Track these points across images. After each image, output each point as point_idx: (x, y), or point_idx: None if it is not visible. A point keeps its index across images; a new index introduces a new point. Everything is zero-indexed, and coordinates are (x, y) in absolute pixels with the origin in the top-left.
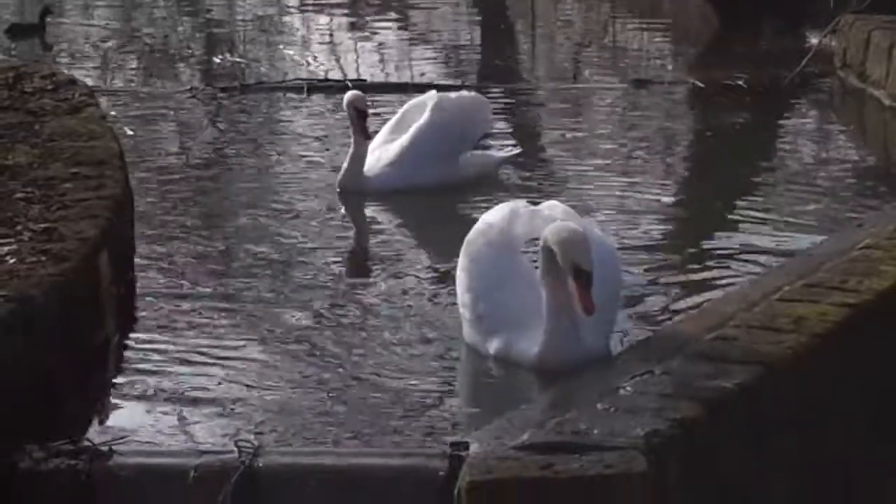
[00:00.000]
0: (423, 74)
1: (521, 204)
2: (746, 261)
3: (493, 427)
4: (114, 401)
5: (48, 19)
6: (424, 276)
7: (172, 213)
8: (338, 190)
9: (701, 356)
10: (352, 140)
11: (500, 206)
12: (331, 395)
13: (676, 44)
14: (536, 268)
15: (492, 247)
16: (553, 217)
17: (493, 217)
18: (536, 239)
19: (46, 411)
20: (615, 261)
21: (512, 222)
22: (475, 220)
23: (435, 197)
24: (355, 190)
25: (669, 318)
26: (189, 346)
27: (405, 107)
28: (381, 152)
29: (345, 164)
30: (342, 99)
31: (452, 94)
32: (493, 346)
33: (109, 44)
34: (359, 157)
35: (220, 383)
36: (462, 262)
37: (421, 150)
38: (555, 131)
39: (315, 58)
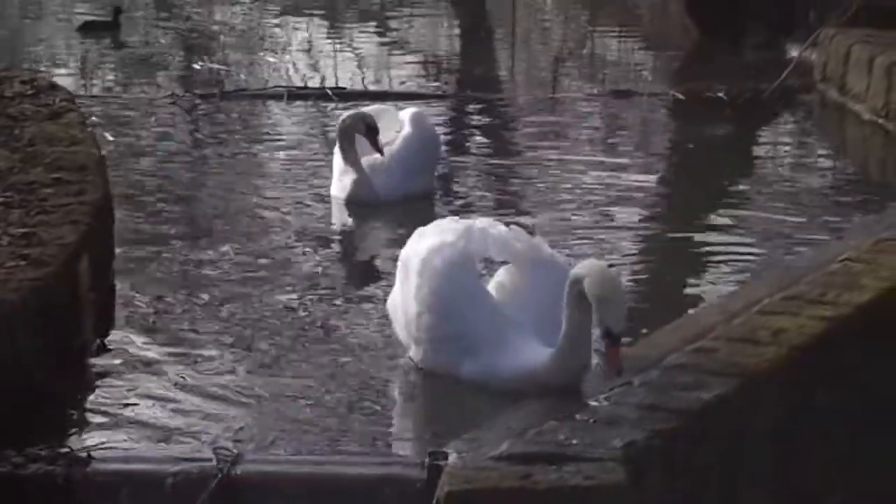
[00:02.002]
0: (402, 83)
1: (471, 222)
2: (726, 273)
3: (472, 437)
4: (92, 406)
5: (122, 18)
6: None
7: (153, 218)
8: (343, 201)
9: (680, 368)
10: (344, 155)
11: (446, 224)
12: (311, 403)
13: (656, 55)
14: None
15: (453, 266)
16: (504, 237)
17: (446, 236)
18: (489, 259)
19: (24, 416)
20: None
21: (467, 239)
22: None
23: (418, 205)
24: (367, 202)
25: (649, 330)
26: (168, 353)
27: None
28: (369, 164)
29: (352, 178)
30: (323, 106)
31: (412, 110)
32: (467, 367)
33: (89, 49)
34: (363, 171)
35: (199, 390)
36: (416, 282)
37: (414, 160)
38: (533, 141)
39: (295, 65)
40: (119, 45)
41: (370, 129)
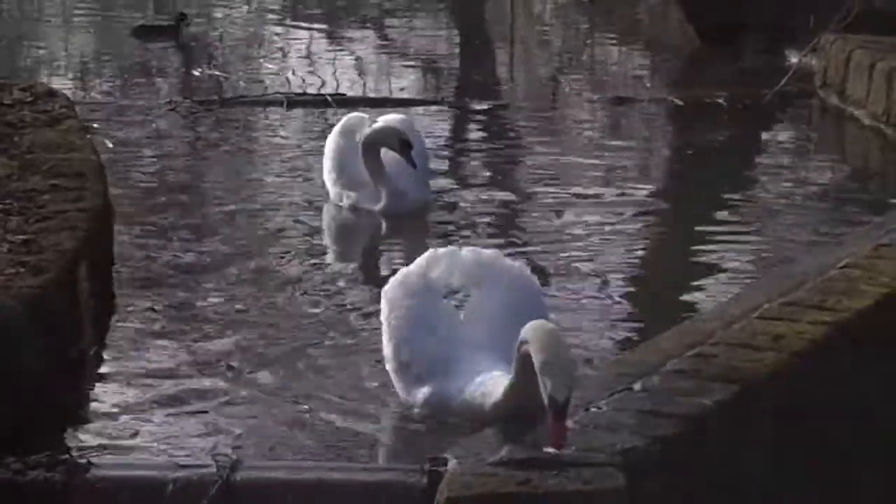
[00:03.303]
0: (402, 89)
1: (441, 249)
2: (726, 278)
3: (472, 442)
4: (92, 413)
5: (184, 23)
6: None
7: (152, 225)
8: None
9: (680, 373)
10: (369, 167)
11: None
12: (311, 408)
13: (656, 61)
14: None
15: (409, 291)
16: (470, 259)
17: (411, 266)
18: (454, 289)
19: (24, 422)
20: (539, 300)
21: (429, 267)
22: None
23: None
24: (401, 212)
25: (648, 336)
26: (168, 359)
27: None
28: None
29: (385, 189)
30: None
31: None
32: (421, 394)
33: (88, 55)
34: (392, 182)
35: (198, 396)
36: (382, 310)
37: (426, 168)
38: (532, 148)
39: (294, 72)
40: (182, 49)
41: (405, 144)
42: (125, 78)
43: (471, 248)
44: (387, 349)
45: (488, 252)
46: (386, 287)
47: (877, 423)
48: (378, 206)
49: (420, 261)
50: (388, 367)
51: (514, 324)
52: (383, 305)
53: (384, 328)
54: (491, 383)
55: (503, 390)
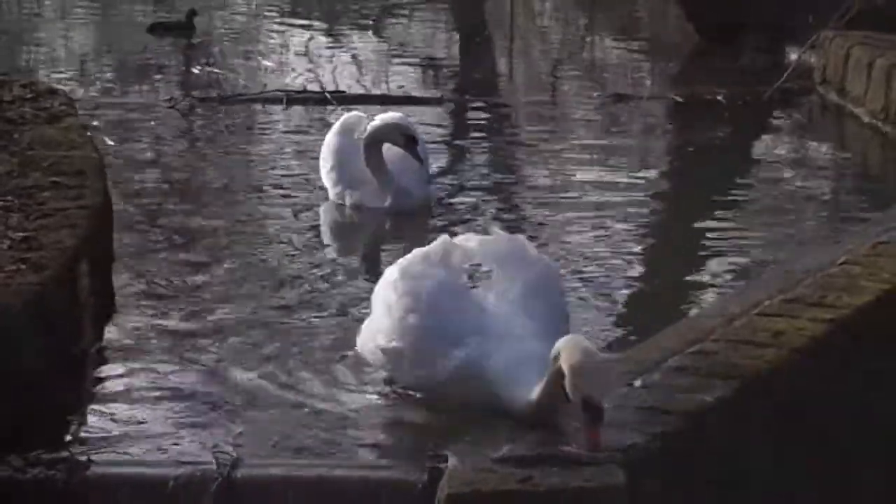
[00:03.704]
0: (401, 87)
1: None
2: (726, 275)
3: (472, 439)
4: (93, 411)
5: (196, 19)
6: None
7: (152, 223)
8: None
9: (680, 370)
10: (370, 164)
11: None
12: (312, 406)
13: (655, 59)
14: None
15: (434, 263)
16: (474, 250)
17: (430, 246)
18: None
19: (24, 421)
20: (558, 285)
21: (449, 248)
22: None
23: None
24: (407, 209)
25: (648, 333)
26: (168, 357)
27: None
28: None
29: (390, 186)
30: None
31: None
32: (454, 360)
33: (88, 53)
34: (394, 179)
35: (199, 394)
36: (391, 285)
37: (426, 164)
38: (531, 145)
39: (294, 69)
40: (192, 47)
41: (409, 140)
42: (125, 75)
43: (497, 231)
44: (399, 322)
45: (515, 236)
46: (398, 265)
47: (877, 420)
48: (384, 204)
49: (439, 242)
50: (393, 344)
51: (536, 307)
52: (394, 279)
53: (395, 302)
54: (525, 370)
55: (537, 394)
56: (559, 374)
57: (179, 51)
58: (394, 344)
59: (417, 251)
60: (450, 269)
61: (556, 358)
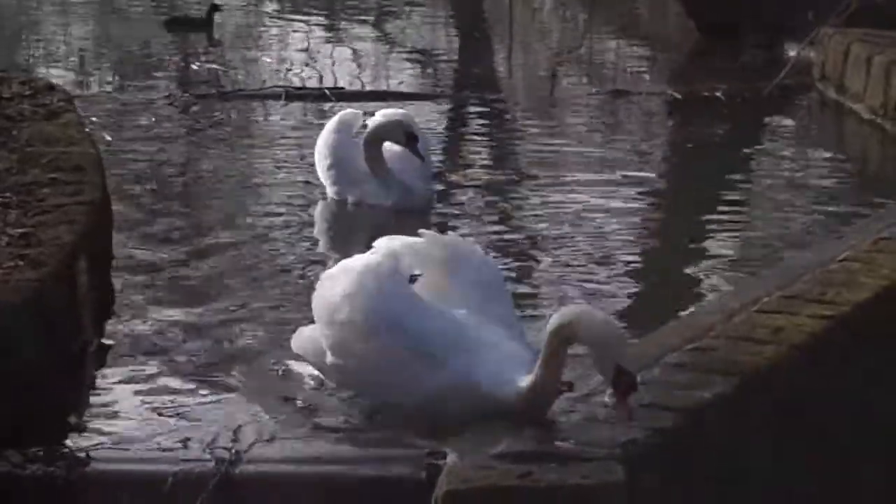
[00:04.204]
0: (400, 83)
1: (397, 238)
2: (725, 271)
3: (471, 435)
4: (91, 407)
5: (216, 15)
6: None
7: (151, 219)
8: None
9: (680, 366)
10: (371, 162)
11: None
12: (309, 404)
13: (655, 55)
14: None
15: (386, 276)
16: (435, 243)
17: (371, 255)
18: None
19: (24, 417)
20: (502, 278)
21: (391, 255)
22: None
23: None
24: (411, 206)
25: (647, 329)
26: (168, 354)
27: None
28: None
29: (392, 184)
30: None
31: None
32: (447, 377)
33: (86, 49)
34: (395, 177)
35: (199, 390)
36: (335, 303)
37: (429, 161)
38: (530, 141)
39: (293, 65)
40: (214, 42)
41: (411, 137)
42: (124, 71)
43: (427, 232)
44: (358, 342)
45: (452, 237)
46: (336, 277)
47: (876, 417)
48: (388, 202)
49: (381, 249)
50: (359, 364)
51: (494, 308)
52: (346, 293)
53: (359, 322)
54: (511, 371)
55: (531, 380)
56: (562, 349)
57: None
58: (361, 368)
59: (358, 261)
60: (401, 283)
61: (558, 332)
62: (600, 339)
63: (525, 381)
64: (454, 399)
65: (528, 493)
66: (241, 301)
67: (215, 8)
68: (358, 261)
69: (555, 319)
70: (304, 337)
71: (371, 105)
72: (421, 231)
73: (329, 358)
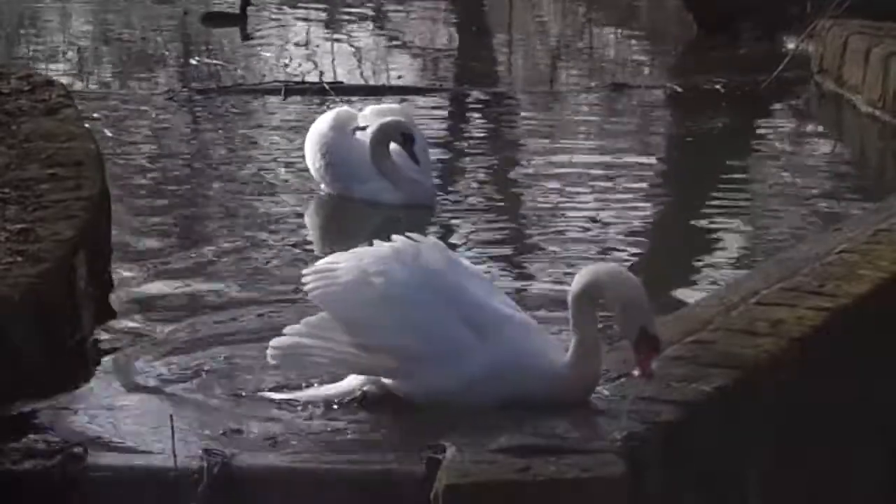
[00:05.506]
0: (399, 77)
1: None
2: (724, 264)
3: (470, 430)
4: (89, 402)
5: (249, 9)
6: None
7: (151, 214)
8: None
9: (679, 359)
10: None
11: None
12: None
13: (654, 48)
14: None
15: (436, 263)
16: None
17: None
18: None
19: (21, 412)
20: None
21: (420, 251)
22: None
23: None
24: (419, 203)
25: None
26: (166, 350)
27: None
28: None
29: (401, 181)
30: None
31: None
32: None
33: (86, 45)
34: (408, 175)
35: (196, 386)
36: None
37: (428, 157)
38: (530, 135)
39: (292, 60)
40: (247, 37)
41: (406, 138)
42: (123, 66)
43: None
44: (410, 332)
45: (430, 240)
46: (378, 265)
47: (875, 409)
48: (396, 199)
49: (401, 241)
50: (401, 354)
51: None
52: (386, 284)
53: (390, 311)
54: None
55: (573, 349)
56: (590, 309)
57: (178, 41)
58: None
59: (383, 249)
60: (455, 257)
61: (583, 293)
62: (625, 295)
63: (567, 354)
64: (504, 378)
65: (527, 486)
66: (241, 297)
67: (248, 2)
68: (384, 247)
69: (578, 279)
70: (312, 323)
71: (370, 99)
72: (395, 237)
73: (365, 339)
